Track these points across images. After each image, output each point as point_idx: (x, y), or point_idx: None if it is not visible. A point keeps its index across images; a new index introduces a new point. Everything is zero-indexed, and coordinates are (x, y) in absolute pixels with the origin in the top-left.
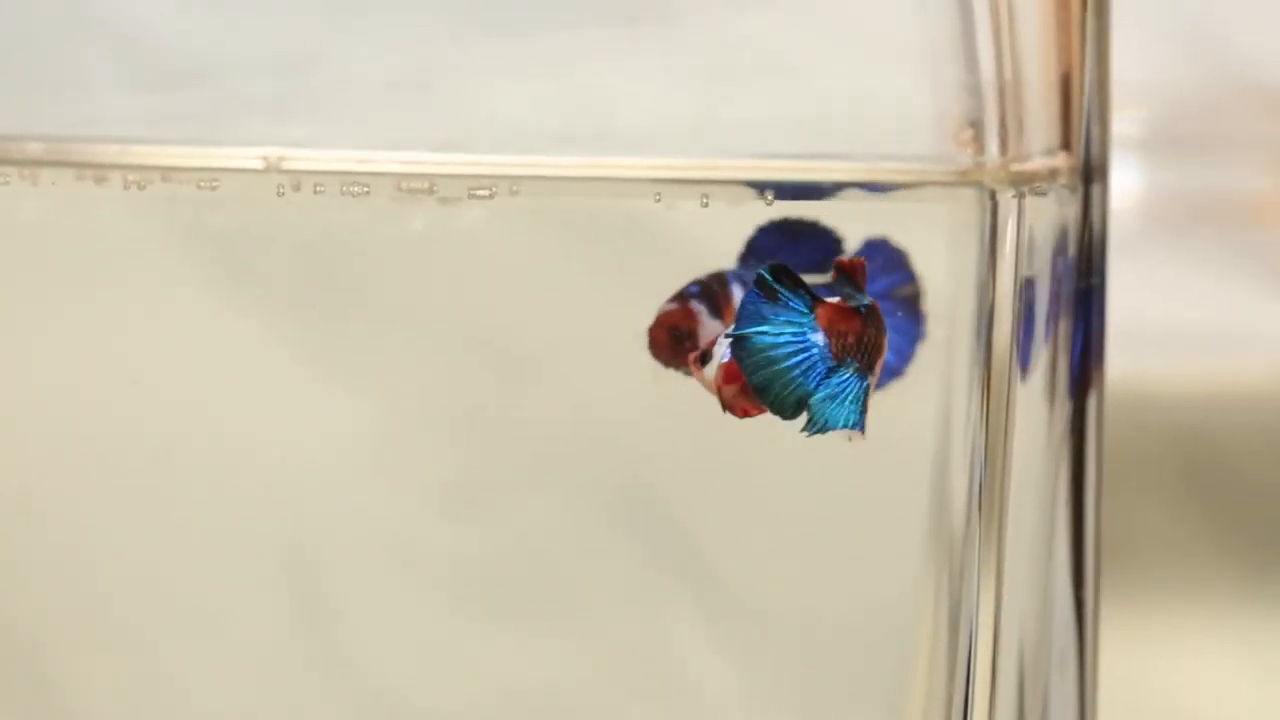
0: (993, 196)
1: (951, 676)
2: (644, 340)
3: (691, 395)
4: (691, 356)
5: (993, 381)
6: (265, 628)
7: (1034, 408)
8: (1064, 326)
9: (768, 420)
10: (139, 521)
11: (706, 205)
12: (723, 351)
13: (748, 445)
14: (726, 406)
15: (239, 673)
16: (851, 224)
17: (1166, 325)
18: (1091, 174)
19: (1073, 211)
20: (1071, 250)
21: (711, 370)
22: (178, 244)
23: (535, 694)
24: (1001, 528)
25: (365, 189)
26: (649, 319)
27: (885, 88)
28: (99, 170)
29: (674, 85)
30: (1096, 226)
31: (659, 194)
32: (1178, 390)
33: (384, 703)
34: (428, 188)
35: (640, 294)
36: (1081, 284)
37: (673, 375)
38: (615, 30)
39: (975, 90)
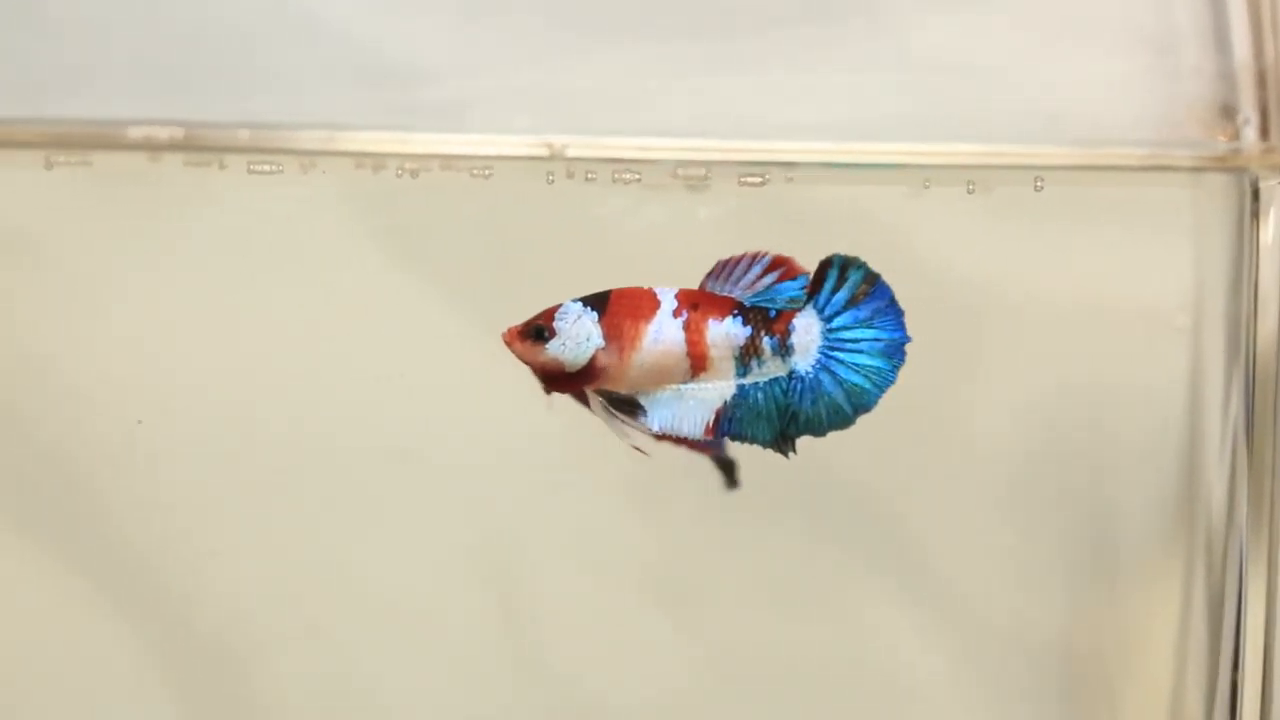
0: (1254, 183)
1: (1213, 675)
2: None
3: (907, 389)
4: (517, 330)
5: (1259, 371)
6: (456, 623)
7: None
8: None
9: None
10: (335, 518)
11: (972, 192)
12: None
13: (968, 438)
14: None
15: (430, 668)
16: (1094, 210)
17: None
18: None
19: None
20: None
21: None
22: (443, 232)
23: (728, 691)
24: (1273, 519)
25: (637, 176)
26: None
27: (1132, 74)
28: (377, 159)
29: (927, 75)
30: None
31: (928, 180)
32: None
33: (576, 699)
34: (703, 174)
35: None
36: None
37: None
38: (854, 24)
39: (1228, 75)
